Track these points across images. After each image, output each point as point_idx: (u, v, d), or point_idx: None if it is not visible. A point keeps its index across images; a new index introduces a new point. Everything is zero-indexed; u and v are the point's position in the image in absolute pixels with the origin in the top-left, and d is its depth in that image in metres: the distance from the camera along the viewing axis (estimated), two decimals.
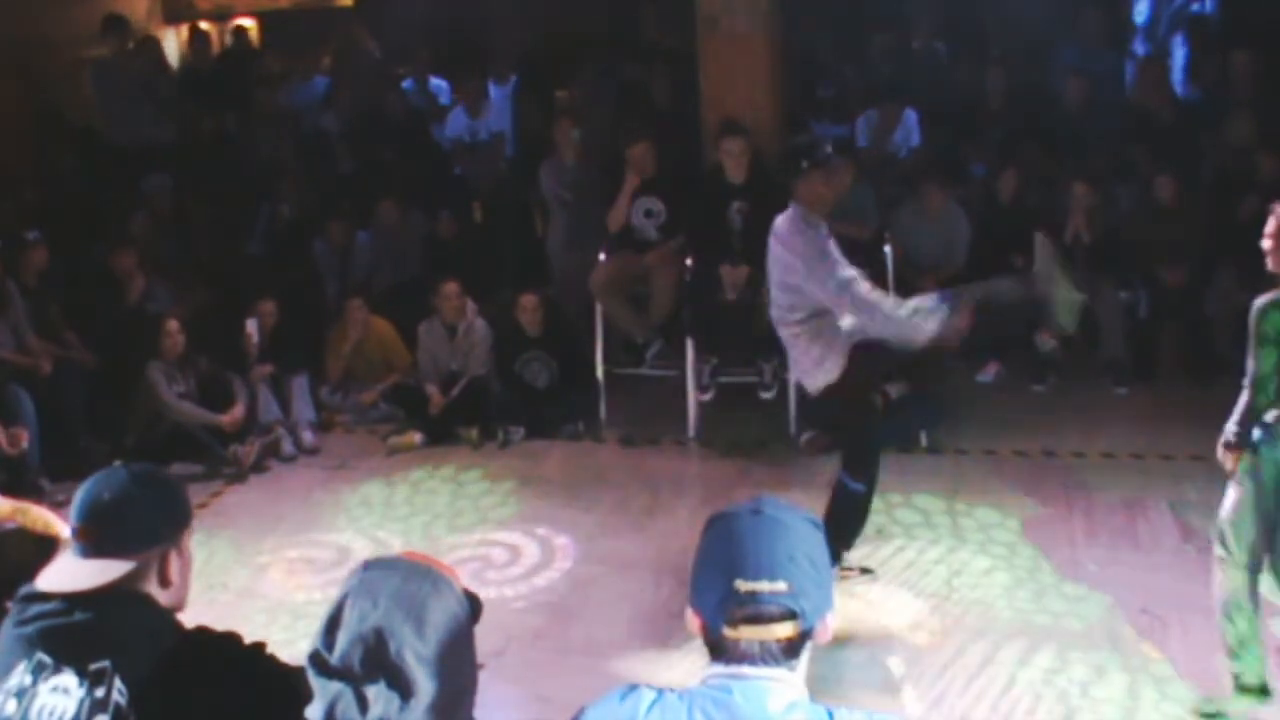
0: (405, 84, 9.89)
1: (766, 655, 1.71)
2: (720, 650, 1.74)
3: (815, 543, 1.77)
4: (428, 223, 8.36)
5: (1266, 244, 3.73)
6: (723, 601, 1.71)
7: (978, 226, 7.37)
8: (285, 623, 4.94)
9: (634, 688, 1.78)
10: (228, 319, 7.37)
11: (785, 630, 1.70)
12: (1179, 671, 4.27)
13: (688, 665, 3.99)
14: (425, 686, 1.69)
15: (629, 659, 4.47)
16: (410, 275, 8.15)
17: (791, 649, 1.72)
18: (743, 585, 1.70)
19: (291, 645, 2.00)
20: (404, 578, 1.77)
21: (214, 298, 8.01)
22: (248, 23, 11.49)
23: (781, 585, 1.69)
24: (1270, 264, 3.73)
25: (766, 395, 6.67)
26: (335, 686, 1.72)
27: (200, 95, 9.64)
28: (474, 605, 1.89)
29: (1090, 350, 7.26)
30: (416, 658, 1.70)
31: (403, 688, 1.69)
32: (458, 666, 1.75)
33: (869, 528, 5.08)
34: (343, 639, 1.72)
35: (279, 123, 9.41)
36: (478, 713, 1.92)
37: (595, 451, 6.72)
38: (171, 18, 11.02)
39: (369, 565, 1.82)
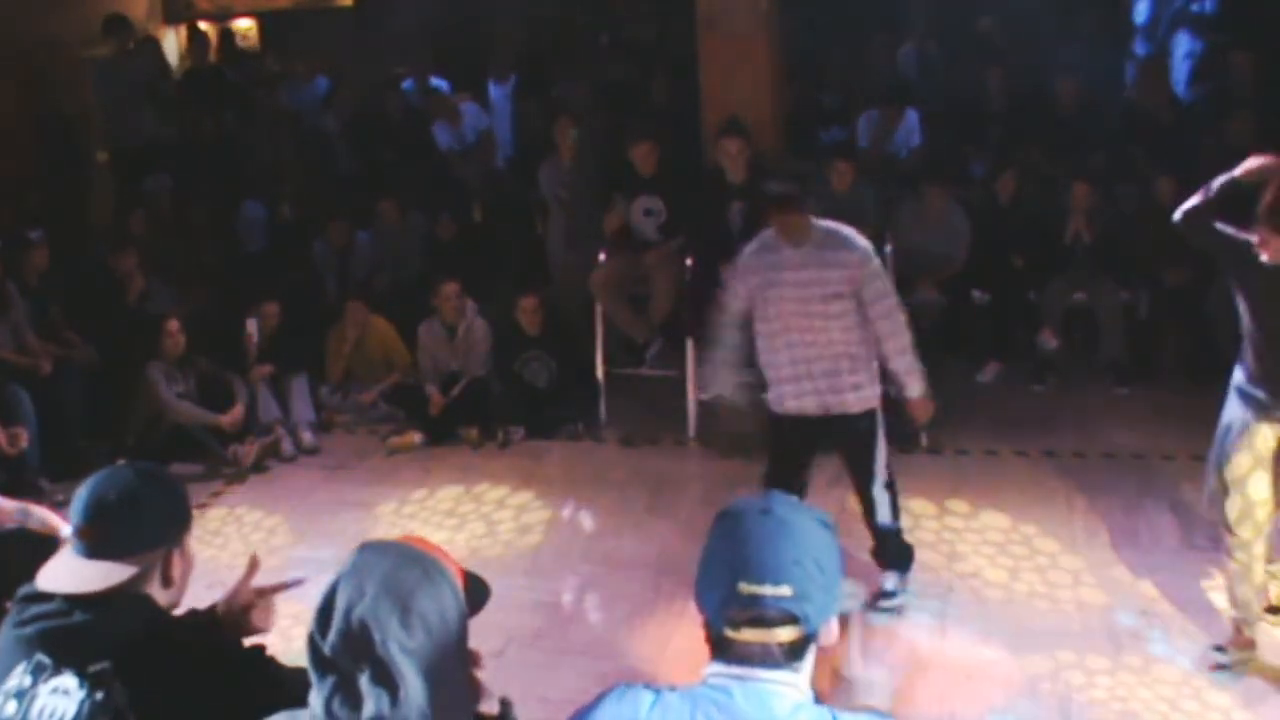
0: (405, 84, 9.90)
1: (768, 657, 1.70)
2: (721, 649, 1.74)
3: (824, 545, 1.75)
4: (427, 223, 8.36)
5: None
6: (725, 602, 1.71)
7: (978, 226, 7.37)
8: (284, 624, 4.93)
9: (629, 687, 1.76)
10: (228, 319, 7.37)
11: (786, 634, 1.70)
12: (1179, 672, 4.27)
13: (688, 665, 3.99)
14: (411, 680, 1.66)
15: (629, 659, 4.47)
16: (410, 275, 8.15)
17: (794, 652, 1.71)
18: (745, 587, 1.69)
19: (291, 646, 1.99)
20: (395, 564, 1.73)
21: (214, 298, 8.01)
22: (247, 23, 11.50)
23: (785, 589, 1.68)
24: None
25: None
26: (330, 680, 1.71)
27: (200, 95, 9.65)
28: (479, 589, 1.87)
29: (1090, 350, 7.27)
30: (401, 649, 1.67)
31: (389, 682, 1.67)
32: (444, 658, 1.72)
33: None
34: (332, 629, 1.70)
35: (279, 123, 9.41)
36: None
37: (595, 451, 6.72)
38: (171, 18, 11.03)
39: (364, 548, 1.79)
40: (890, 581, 4.81)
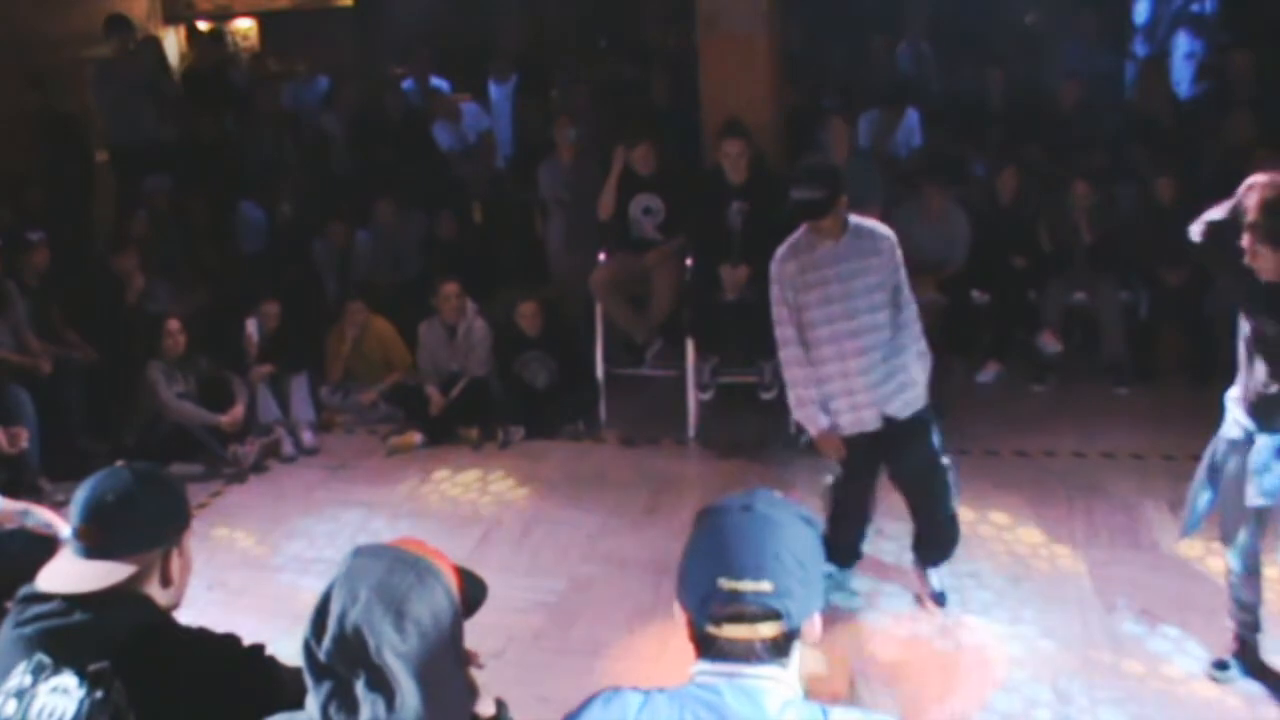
0: (405, 84, 9.90)
1: (751, 654, 1.70)
2: (706, 647, 1.73)
3: (805, 541, 1.75)
4: (427, 223, 8.36)
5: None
6: (706, 598, 1.71)
7: (978, 226, 7.38)
8: (284, 624, 4.93)
9: (617, 691, 1.75)
10: (228, 319, 7.36)
11: (768, 630, 1.69)
12: (1179, 672, 4.27)
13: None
14: (407, 685, 1.67)
15: (629, 659, 4.48)
16: (410, 275, 8.15)
17: (778, 648, 1.71)
18: (725, 583, 1.69)
19: (290, 646, 2.00)
20: (388, 569, 1.74)
21: (214, 298, 8.01)
22: (248, 23, 11.52)
23: (765, 585, 1.68)
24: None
25: (767, 395, 6.67)
26: (326, 685, 1.71)
27: (200, 95, 9.65)
28: (475, 589, 1.87)
29: (1090, 350, 7.27)
30: (396, 654, 1.68)
31: (385, 687, 1.67)
32: (439, 661, 1.73)
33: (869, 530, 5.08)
34: (327, 635, 1.71)
35: (279, 123, 9.41)
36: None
37: (595, 451, 6.72)
38: (171, 18, 11.04)
39: (358, 552, 1.80)
40: (939, 580, 4.80)
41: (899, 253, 4.49)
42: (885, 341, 4.45)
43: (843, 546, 4.77)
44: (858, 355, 4.41)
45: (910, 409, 4.49)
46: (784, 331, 4.50)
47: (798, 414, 4.58)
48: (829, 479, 4.74)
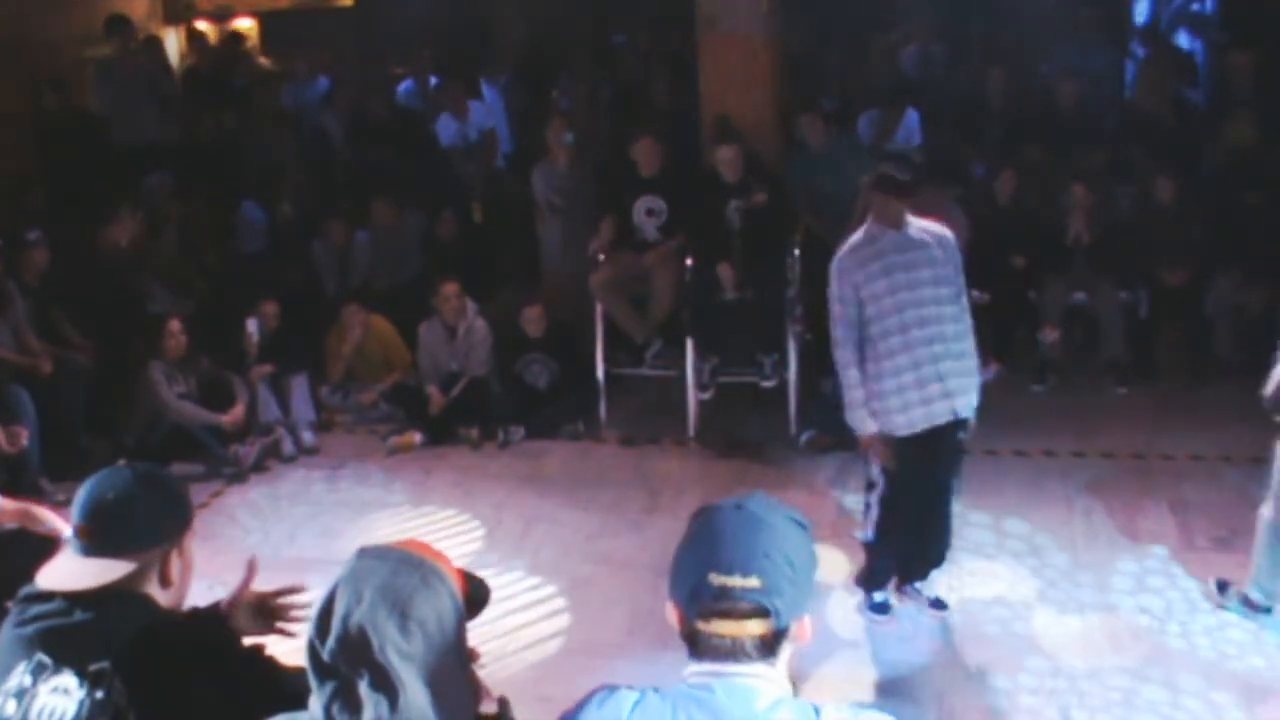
0: (405, 84, 9.89)
1: (739, 652, 1.70)
2: (696, 644, 1.74)
3: (796, 542, 1.75)
4: (427, 223, 8.35)
5: None
6: (694, 593, 1.71)
7: (977, 226, 7.37)
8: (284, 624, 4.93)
9: (612, 691, 1.76)
10: (228, 319, 7.36)
11: (756, 628, 1.69)
12: (1178, 672, 4.27)
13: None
14: (411, 686, 1.67)
15: (629, 659, 4.47)
16: (409, 275, 8.15)
17: (766, 647, 1.71)
18: (715, 579, 1.69)
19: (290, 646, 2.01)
20: (393, 570, 1.74)
21: (214, 298, 8.00)
22: (248, 23, 11.51)
23: (754, 582, 1.68)
24: None
25: (767, 384, 6.68)
26: (330, 685, 1.71)
27: (200, 95, 9.65)
28: (479, 592, 1.87)
29: (1090, 350, 7.27)
30: (400, 655, 1.67)
31: (388, 688, 1.67)
32: (443, 662, 1.72)
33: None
34: (331, 635, 1.71)
35: (279, 123, 9.41)
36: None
37: (595, 451, 6.72)
38: (171, 18, 11.03)
39: (362, 553, 1.79)
40: (931, 588, 4.79)
41: (958, 257, 4.48)
42: (951, 333, 4.41)
43: (887, 562, 4.68)
44: (927, 344, 4.35)
45: (971, 408, 4.50)
46: (840, 332, 4.40)
47: (848, 416, 4.49)
48: (874, 493, 4.60)
